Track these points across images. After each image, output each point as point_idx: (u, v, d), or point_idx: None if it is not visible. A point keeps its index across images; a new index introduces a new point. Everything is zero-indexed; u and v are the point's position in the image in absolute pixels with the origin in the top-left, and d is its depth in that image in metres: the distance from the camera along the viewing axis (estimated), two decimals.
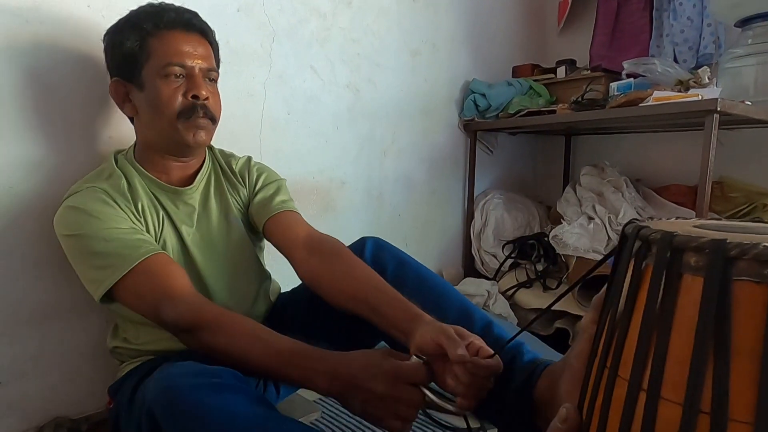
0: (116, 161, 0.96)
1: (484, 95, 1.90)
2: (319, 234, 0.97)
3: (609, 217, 1.68)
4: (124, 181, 0.92)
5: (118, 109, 0.96)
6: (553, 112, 1.76)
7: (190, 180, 0.99)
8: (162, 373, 0.66)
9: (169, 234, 0.94)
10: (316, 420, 1.12)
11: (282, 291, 1.14)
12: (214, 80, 0.96)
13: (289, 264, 0.96)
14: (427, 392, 0.65)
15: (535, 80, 1.98)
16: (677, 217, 0.61)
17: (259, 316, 1.05)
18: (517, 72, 2.09)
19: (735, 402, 0.39)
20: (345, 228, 1.28)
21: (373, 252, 0.94)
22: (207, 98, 0.91)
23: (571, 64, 1.96)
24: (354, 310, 0.84)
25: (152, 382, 0.66)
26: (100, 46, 1.01)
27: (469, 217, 2.04)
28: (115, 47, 0.91)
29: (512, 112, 1.85)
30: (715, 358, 0.41)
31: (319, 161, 1.56)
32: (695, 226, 0.54)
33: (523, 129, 2.06)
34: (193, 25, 0.92)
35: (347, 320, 0.87)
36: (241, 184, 1.04)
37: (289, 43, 1.45)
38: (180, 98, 0.89)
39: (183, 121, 0.90)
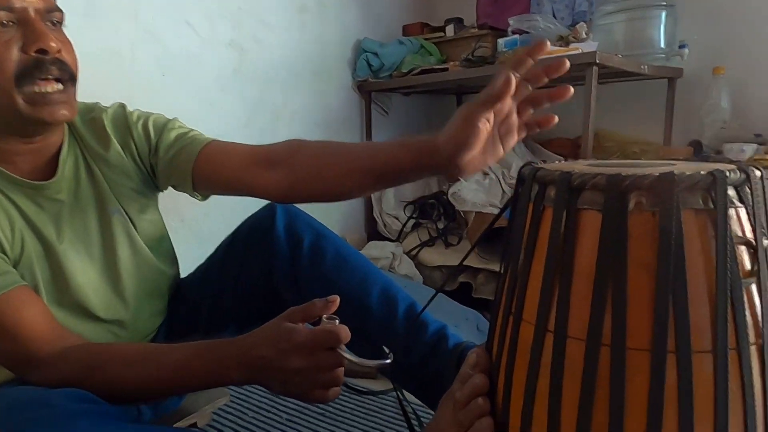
0: None
1: (376, 54, 1.86)
2: (260, 146, 0.85)
3: (502, 172, 1.75)
4: None
5: None
6: (446, 70, 1.76)
7: (50, 167, 0.74)
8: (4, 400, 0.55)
9: (29, 244, 0.71)
10: (225, 405, 1.04)
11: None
12: (60, 23, 0.70)
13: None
14: (346, 353, 0.60)
15: (425, 39, 1.97)
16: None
17: (160, 316, 0.89)
18: (407, 30, 2.06)
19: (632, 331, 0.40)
20: (238, 198, 1.18)
21: (286, 222, 0.83)
22: (59, 50, 0.66)
23: (458, 22, 1.97)
24: (361, 189, 0.79)
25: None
26: None
27: None
28: None
29: (405, 70, 1.83)
30: (560, 281, 0.43)
31: (205, 127, 1.37)
32: (587, 165, 0.55)
33: (415, 89, 2.05)
34: None
35: (258, 299, 0.84)
36: (122, 152, 0.80)
37: None
38: (16, 54, 0.64)
39: (28, 87, 0.64)
